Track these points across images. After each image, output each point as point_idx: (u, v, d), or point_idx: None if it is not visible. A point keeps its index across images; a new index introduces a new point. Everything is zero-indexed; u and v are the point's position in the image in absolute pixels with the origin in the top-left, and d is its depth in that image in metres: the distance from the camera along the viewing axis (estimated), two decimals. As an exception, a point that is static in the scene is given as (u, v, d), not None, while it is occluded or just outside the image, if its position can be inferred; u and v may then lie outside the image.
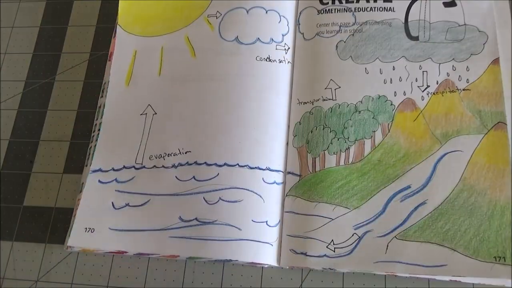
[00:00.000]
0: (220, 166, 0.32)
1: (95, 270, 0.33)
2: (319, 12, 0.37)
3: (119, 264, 0.33)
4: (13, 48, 0.41)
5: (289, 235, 0.31)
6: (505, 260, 0.28)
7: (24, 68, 0.40)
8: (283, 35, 0.36)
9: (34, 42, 0.41)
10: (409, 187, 0.31)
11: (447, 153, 0.31)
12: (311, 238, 0.31)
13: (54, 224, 0.34)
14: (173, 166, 0.33)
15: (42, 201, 0.35)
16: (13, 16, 0.42)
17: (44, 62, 0.40)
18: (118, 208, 0.32)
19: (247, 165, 0.32)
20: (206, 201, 0.32)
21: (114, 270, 0.33)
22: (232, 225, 0.31)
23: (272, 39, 0.36)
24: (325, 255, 0.30)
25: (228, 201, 0.31)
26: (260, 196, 0.32)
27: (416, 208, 0.30)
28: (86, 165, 0.34)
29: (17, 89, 0.39)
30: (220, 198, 0.31)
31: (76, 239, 0.32)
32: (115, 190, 0.33)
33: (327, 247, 0.30)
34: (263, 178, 0.32)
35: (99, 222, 0.32)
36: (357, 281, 0.30)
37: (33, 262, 0.34)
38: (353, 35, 0.36)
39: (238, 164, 0.32)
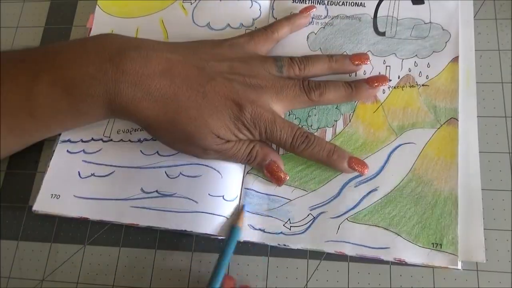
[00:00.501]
0: None
1: (100, 269, 0.33)
2: (294, 0, 0.38)
3: (125, 264, 0.33)
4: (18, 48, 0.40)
5: (248, 211, 0.32)
6: (441, 247, 0.30)
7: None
8: (253, 20, 0.37)
9: (39, 42, 0.40)
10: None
11: (401, 144, 0.32)
12: (270, 216, 0.32)
13: (60, 223, 0.34)
14: (139, 140, 0.34)
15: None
16: (17, 16, 0.42)
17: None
18: (84, 177, 0.33)
19: None
20: (167, 175, 0.33)
21: (120, 269, 0.33)
22: (189, 198, 0.32)
23: (242, 24, 0.37)
24: (281, 233, 0.31)
25: (188, 176, 0.33)
26: (219, 172, 0.33)
27: (368, 194, 0.31)
28: (58, 135, 0.35)
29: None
30: (180, 173, 0.33)
31: (42, 204, 0.33)
32: (82, 160, 0.34)
33: (283, 225, 0.32)
34: None
35: (64, 189, 0.33)
36: (362, 280, 0.30)
37: (39, 262, 0.33)
38: (324, 27, 0.37)
39: None
